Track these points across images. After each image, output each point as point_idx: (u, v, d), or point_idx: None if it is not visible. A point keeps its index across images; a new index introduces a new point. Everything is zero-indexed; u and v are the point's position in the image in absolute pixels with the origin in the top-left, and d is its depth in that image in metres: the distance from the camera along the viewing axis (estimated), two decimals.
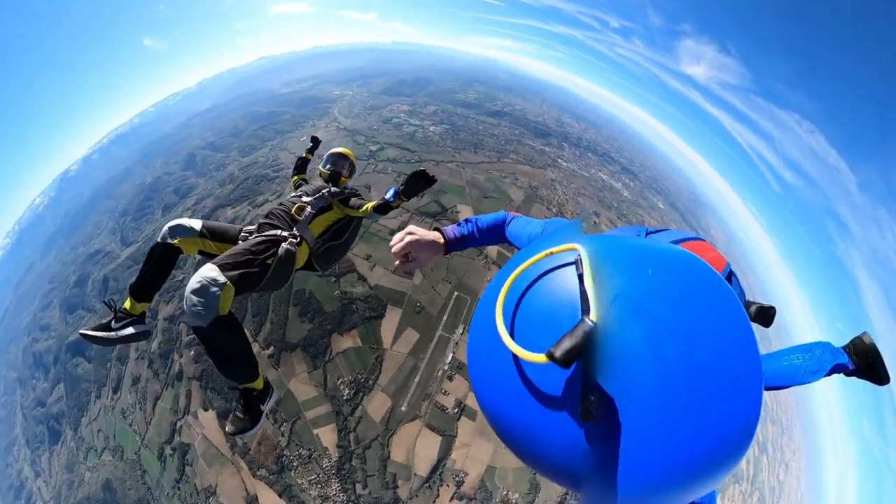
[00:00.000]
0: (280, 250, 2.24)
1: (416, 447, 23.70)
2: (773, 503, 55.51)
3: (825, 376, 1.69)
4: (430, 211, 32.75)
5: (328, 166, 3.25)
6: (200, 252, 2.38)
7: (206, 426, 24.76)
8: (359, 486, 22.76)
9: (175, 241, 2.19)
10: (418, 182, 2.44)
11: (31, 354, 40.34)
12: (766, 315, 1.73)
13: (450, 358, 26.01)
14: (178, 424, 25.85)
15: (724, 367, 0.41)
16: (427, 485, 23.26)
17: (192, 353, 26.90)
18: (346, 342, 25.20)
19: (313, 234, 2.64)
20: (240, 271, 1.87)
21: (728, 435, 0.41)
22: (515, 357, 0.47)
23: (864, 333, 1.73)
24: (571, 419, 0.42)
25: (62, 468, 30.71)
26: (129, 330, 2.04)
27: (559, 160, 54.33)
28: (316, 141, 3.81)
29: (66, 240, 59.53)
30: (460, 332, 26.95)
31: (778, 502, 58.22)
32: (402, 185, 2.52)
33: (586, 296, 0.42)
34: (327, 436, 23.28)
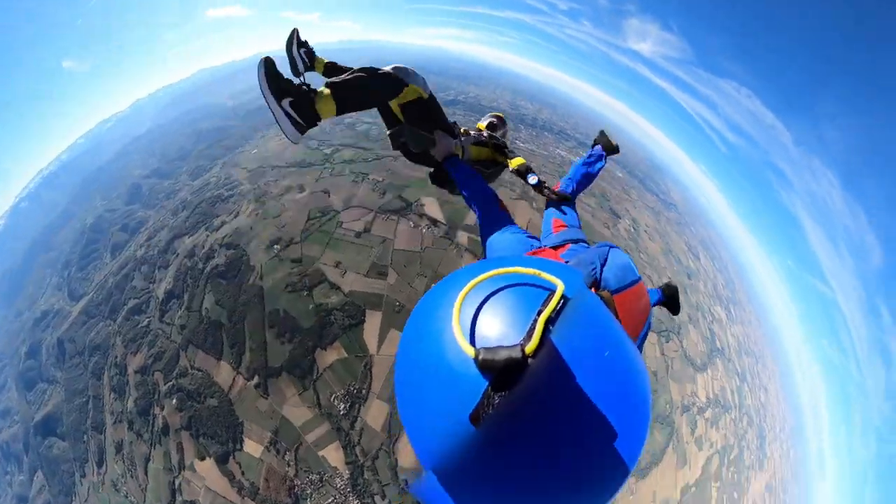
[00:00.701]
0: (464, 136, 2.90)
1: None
2: (760, 422, 61.17)
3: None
4: (394, 207, 32.17)
5: (486, 122, 3.66)
6: (414, 102, 2.39)
7: (207, 476, 23.53)
8: (377, 498, 22.61)
9: (408, 86, 2.13)
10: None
11: None
12: (672, 298, 2.79)
13: None
14: (177, 482, 24.33)
15: (610, 444, 0.46)
16: None
17: (175, 400, 25.34)
18: (330, 356, 24.59)
19: (470, 154, 2.99)
20: (441, 110, 2.48)
21: (592, 488, 0.46)
22: (446, 345, 0.50)
23: (671, 281, 2.87)
24: (462, 415, 0.44)
25: None
26: (294, 115, 1.66)
27: (516, 142, 55.12)
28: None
29: (6, 307, 53.84)
30: None
31: (764, 420, 64.14)
32: (551, 190, 2.64)
33: (532, 329, 0.45)
34: (333, 455, 22.83)
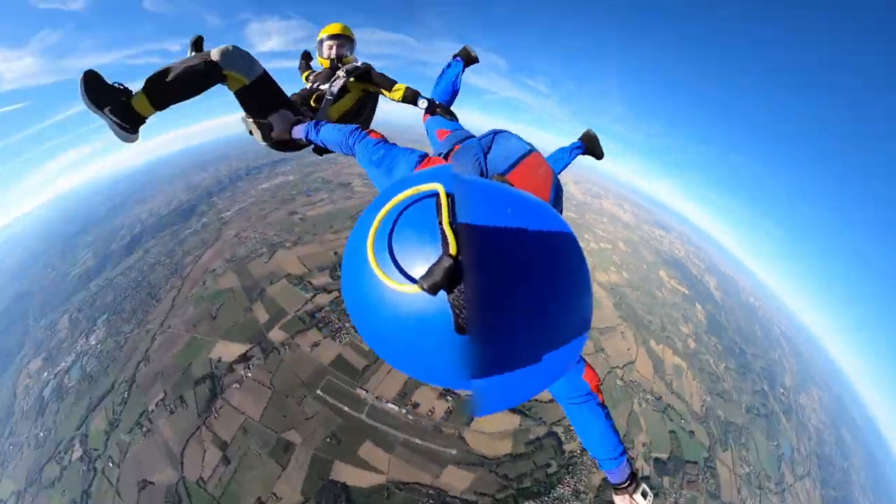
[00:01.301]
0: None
1: (490, 433, 25.44)
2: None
3: (574, 156, 2.85)
4: (206, 398, 25.81)
5: (326, 52, 2.99)
6: (239, 91, 2.18)
7: None
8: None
9: (226, 72, 1.96)
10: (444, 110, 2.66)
11: None
12: (592, 144, 3.04)
13: (383, 402, 25.49)
14: None
15: (561, 298, 0.52)
16: (534, 428, 25.99)
17: None
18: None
19: (332, 118, 2.75)
20: (275, 91, 2.22)
21: (564, 338, 0.53)
22: (393, 301, 0.51)
23: (589, 129, 3.09)
24: (452, 339, 0.47)
25: None
26: (117, 120, 1.70)
27: (223, 215, 50.83)
28: (307, 54, 3.57)
29: None
30: (364, 391, 26.04)
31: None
32: (444, 108, 2.63)
33: (444, 233, 0.47)
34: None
